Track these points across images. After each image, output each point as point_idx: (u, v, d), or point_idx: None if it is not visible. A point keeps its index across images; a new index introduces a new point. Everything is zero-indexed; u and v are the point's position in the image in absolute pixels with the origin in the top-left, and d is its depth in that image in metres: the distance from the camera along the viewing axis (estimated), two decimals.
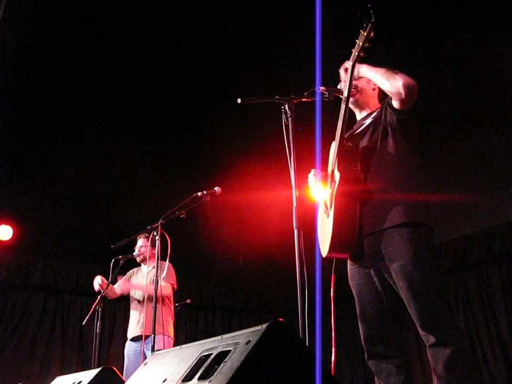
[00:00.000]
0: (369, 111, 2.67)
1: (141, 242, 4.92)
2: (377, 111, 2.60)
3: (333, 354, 2.41)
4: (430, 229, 2.34)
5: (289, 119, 2.51)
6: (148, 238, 4.71)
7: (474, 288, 6.05)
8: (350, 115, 2.60)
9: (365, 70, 2.49)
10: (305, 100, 2.58)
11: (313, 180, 2.69)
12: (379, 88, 2.70)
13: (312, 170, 2.71)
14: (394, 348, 2.34)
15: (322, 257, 2.51)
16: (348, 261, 2.53)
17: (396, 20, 4.58)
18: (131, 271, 5.13)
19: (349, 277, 2.52)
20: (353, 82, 2.53)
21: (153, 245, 4.18)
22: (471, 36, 4.70)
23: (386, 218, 2.31)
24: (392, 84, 2.33)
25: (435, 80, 5.18)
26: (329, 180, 2.57)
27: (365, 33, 2.23)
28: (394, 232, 2.29)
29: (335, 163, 2.46)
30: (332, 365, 2.40)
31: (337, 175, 2.43)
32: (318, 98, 2.56)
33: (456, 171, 5.78)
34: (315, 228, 2.72)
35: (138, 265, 5.07)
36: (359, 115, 2.73)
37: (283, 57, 5.30)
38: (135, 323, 4.73)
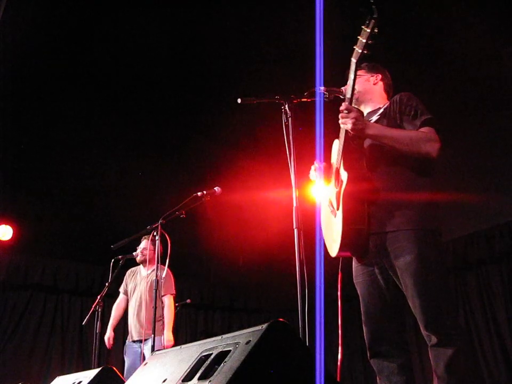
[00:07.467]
0: (375, 107, 2.60)
1: (144, 244, 4.88)
2: (384, 106, 2.52)
3: (340, 354, 2.39)
4: (438, 233, 2.31)
5: (289, 119, 2.51)
6: (151, 240, 4.72)
7: (474, 288, 6.03)
8: None
9: (377, 133, 2.33)
10: (305, 100, 2.57)
11: (315, 174, 2.62)
12: (384, 82, 2.64)
13: (315, 163, 2.63)
14: (396, 348, 2.33)
15: (323, 256, 2.50)
16: (353, 259, 2.49)
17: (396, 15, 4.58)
18: (128, 272, 5.07)
19: (353, 275, 2.49)
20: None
21: (153, 245, 4.17)
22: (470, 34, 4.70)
23: (394, 221, 2.29)
24: (420, 152, 2.28)
25: (433, 77, 5.18)
26: (333, 178, 2.51)
27: (368, 30, 2.13)
28: (400, 232, 2.27)
29: (340, 162, 2.41)
30: (338, 364, 2.38)
31: (344, 174, 2.37)
32: (318, 98, 2.55)
33: (456, 171, 5.76)
34: (316, 227, 2.69)
35: (136, 264, 5.04)
36: (364, 111, 2.62)
37: (283, 57, 5.29)
38: (134, 325, 4.72)
